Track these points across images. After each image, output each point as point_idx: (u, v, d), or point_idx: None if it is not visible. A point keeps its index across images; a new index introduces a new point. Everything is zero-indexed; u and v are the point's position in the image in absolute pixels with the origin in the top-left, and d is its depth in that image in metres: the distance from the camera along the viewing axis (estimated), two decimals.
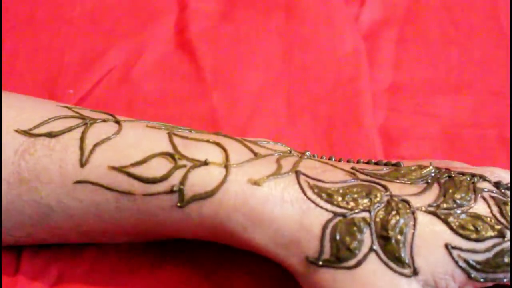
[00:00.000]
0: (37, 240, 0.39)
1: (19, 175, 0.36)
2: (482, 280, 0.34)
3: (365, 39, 0.54)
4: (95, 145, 0.36)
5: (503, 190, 0.37)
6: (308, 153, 0.39)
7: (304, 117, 0.48)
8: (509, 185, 0.37)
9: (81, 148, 0.36)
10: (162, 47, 0.53)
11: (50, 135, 0.37)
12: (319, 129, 0.48)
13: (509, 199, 0.36)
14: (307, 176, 0.36)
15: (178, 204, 0.35)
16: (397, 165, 0.39)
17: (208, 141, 0.37)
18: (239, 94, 0.50)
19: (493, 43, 0.54)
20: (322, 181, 0.36)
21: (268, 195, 0.35)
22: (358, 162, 0.40)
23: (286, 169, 0.36)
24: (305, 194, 0.35)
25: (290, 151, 0.39)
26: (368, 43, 0.53)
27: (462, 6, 0.56)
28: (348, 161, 0.40)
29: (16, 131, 0.37)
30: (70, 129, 0.37)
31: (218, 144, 0.37)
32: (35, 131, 0.37)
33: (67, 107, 0.39)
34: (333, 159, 0.40)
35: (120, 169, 0.36)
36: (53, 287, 0.39)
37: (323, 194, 0.35)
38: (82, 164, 0.36)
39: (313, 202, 0.35)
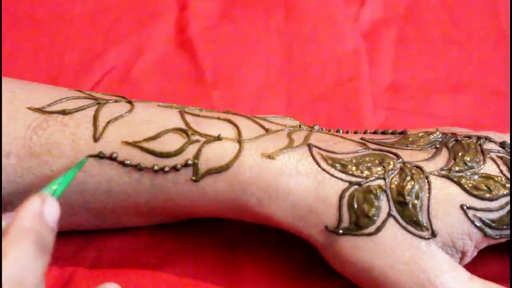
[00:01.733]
0: None
1: (30, 149, 0.36)
2: (497, 237, 0.36)
3: (365, 38, 0.54)
4: (108, 122, 0.37)
5: (508, 150, 0.38)
6: (316, 127, 0.40)
7: (304, 116, 0.47)
8: None
9: (95, 125, 0.36)
10: (162, 47, 0.53)
11: (64, 112, 0.37)
12: None
13: None
14: (319, 148, 0.37)
15: (193, 178, 0.36)
16: (403, 133, 0.40)
17: (219, 118, 0.38)
18: (239, 94, 0.51)
19: (493, 43, 0.54)
20: (335, 153, 0.36)
21: (283, 168, 0.36)
22: (365, 132, 0.41)
23: (298, 142, 0.37)
24: (319, 166, 0.36)
25: (300, 125, 0.39)
26: (368, 43, 0.53)
27: (462, 6, 0.56)
28: (355, 132, 0.41)
29: (29, 108, 0.37)
30: (83, 108, 0.37)
31: (229, 121, 0.38)
32: (48, 109, 0.37)
33: (78, 90, 0.40)
34: (341, 132, 0.41)
35: (134, 144, 0.36)
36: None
37: (337, 165, 0.36)
38: (95, 139, 0.36)
39: (328, 172, 0.36)
